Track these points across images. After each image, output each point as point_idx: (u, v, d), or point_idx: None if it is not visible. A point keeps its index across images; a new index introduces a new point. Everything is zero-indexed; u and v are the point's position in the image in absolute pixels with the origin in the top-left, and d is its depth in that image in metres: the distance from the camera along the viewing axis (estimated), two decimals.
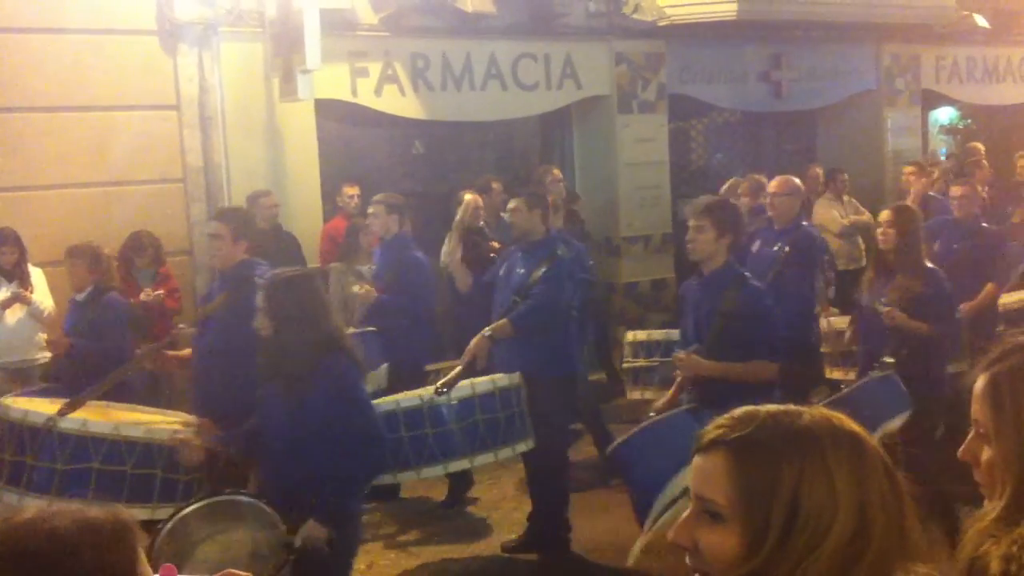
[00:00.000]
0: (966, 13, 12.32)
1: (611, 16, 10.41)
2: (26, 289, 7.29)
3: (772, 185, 7.23)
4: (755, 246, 7.08)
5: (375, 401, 5.73)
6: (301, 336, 4.12)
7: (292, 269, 4.53)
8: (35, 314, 7.33)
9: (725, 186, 9.35)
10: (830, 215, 10.40)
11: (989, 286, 7.34)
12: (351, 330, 7.10)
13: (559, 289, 6.01)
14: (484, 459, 5.57)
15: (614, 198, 10.61)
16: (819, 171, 10.99)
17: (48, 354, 7.49)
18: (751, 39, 11.18)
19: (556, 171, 9.29)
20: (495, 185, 9.02)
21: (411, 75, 9.44)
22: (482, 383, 5.56)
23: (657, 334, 7.27)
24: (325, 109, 9.06)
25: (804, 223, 7.17)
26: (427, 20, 9.44)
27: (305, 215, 8.86)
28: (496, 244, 8.37)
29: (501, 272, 6.32)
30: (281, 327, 4.16)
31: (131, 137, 8.19)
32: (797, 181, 7.30)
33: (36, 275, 7.44)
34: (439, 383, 5.44)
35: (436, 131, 10.33)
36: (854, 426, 1.58)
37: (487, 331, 5.91)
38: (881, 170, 12.02)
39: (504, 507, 7.09)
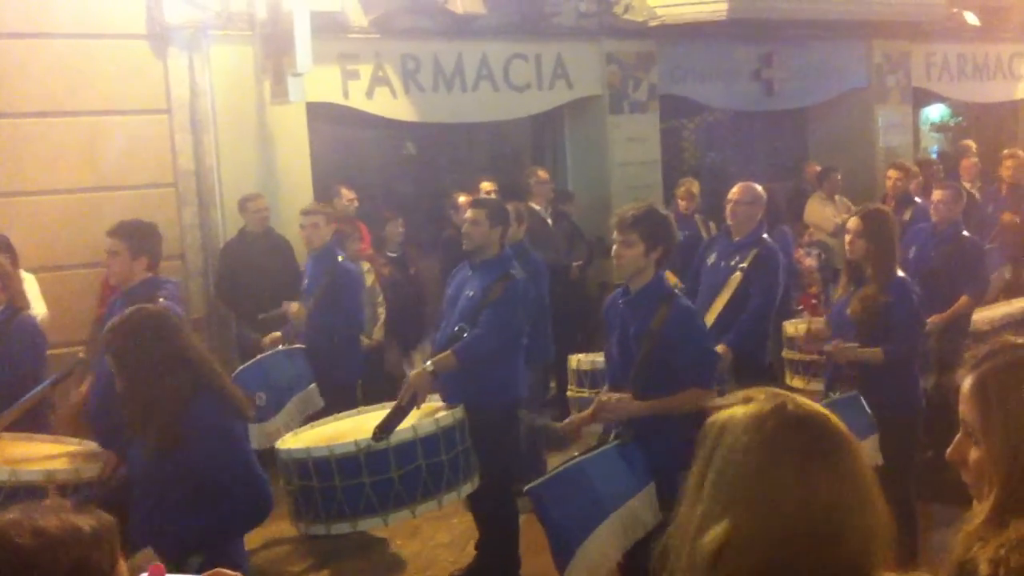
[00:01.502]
0: (956, 10, 12.36)
1: (602, 16, 10.42)
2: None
3: (732, 192, 6.58)
4: (711, 258, 6.58)
5: (309, 440, 5.14)
6: (158, 384, 3.59)
7: (136, 309, 3.84)
8: None
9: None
10: (823, 214, 10.42)
11: (963, 299, 6.95)
12: (280, 347, 6.80)
13: (510, 316, 5.47)
14: (427, 507, 5.04)
15: (606, 198, 10.61)
16: (817, 168, 11.01)
17: None
18: (742, 38, 11.20)
19: (542, 172, 9.31)
20: (485, 186, 9.03)
21: (402, 77, 9.43)
22: (425, 425, 5.02)
23: (603, 360, 6.61)
24: (316, 112, 9.05)
25: (765, 236, 6.54)
26: (417, 21, 9.43)
27: (297, 218, 8.81)
28: None
29: (449, 292, 5.84)
30: (131, 379, 3.64)
31: (122, 141, 8.18)
32: (759, 188, 6.61)
33: (28, 281, 7.39)
34: (376, 426, 4.92)
35: (428, 133, 10.33)
36: None
37: (429, 365, 5.33)
38: (873, 168, 12.03)
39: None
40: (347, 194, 8.98)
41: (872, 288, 5.24)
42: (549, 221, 8.83)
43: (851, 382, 5.25)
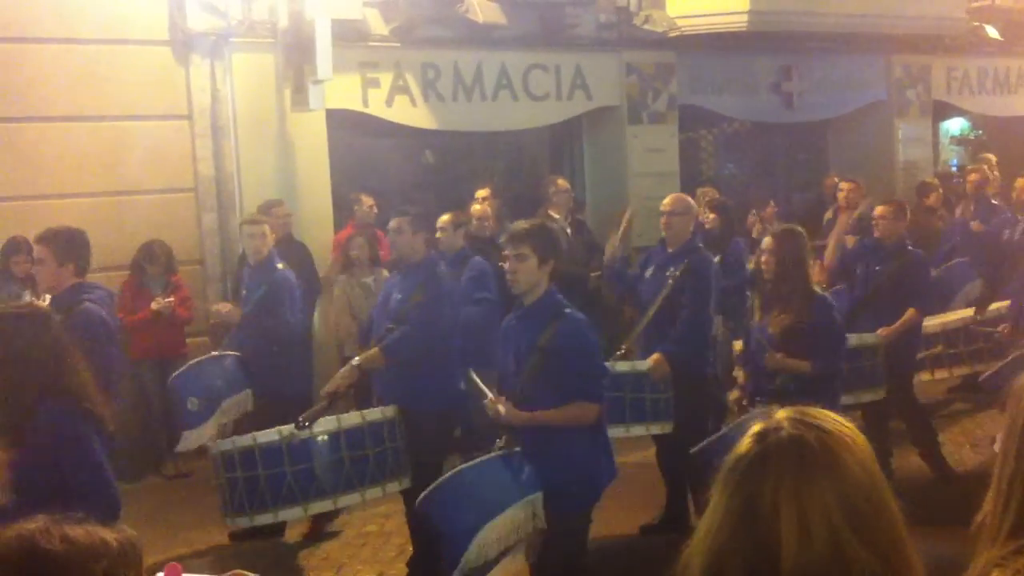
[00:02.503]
0: (977, 24, 12.31)
1: (621, 27, 10.43)
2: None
3: (664, 203, 6.64)
4: (648, 270, 6.61)
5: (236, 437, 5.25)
6: (11, 382, 3.60)
7: (6, 306, 3.95)
8: None
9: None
10: (843, 226, 10.36)
11: (910, 312, 6.93)
12: (214, 353, 6.72)
13: (435, 316, 5.58)
14: (349, 499, 5.15)
15: (624, 208, 10.59)
16: (836, 180, 10.95)
17: None
18: (762, 50, 11.19)
19: (561, 181, 9.32)
20: (480, 193, 9.05)
21: (422, 85, 9.47)
22: (349, 417, 5.12)
23: None
24: (336, 119, 9.10)
25: (700, 245, 6.64)
26: (438, 31, 9.47)
27: (316, 225, 8.89)
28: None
29: (380, 298, 5.97)
30: None
31: (143, 147, 8.24)
32: (690, 200, 6.78)
33: None
34: (301, 416, 5.00)
35: (446, 141, 10.36)
36: None
37: (356, 360, 5.52)
38: (892, 181, 11.99)
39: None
40: (367, 201, 9.02)
41: (791, 309, 5.31)
42: (568, 231, 8.81)
43: (771, 396, 5.23)
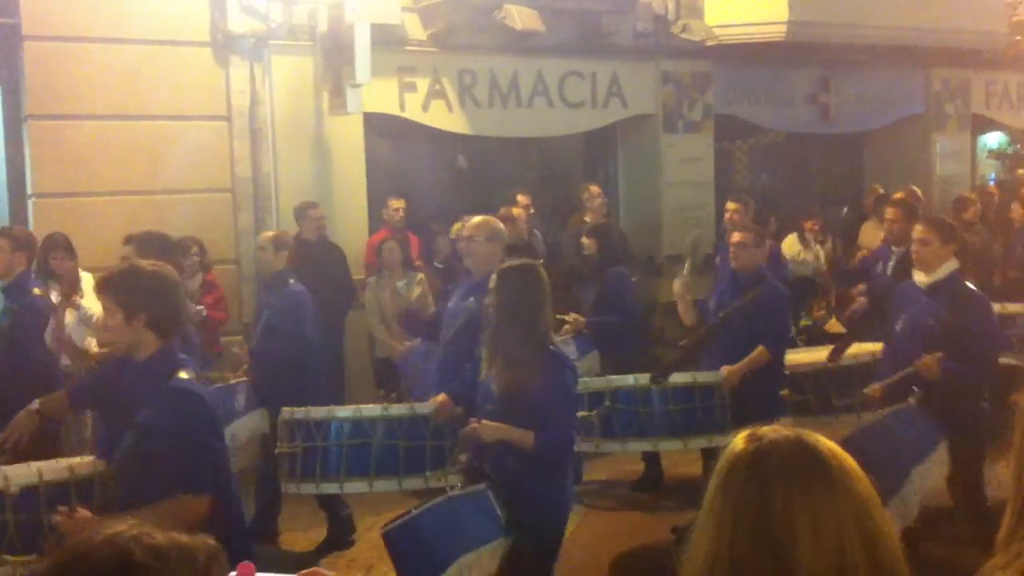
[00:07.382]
0: (1018, 38, 12.20)
1: (659, 35, 10.41)
2: (76, 294, 7.39)
3: (468, 228, 5.90)
4: (451, 301, 5.91)
5: None
6: None
7: None
8: (84, 319, 7.43)
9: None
10: (875, 238, 10.30)
11: (759, 349, 6.11)
12: None
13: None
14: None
15: (657, 217, 10.58)
16: (880, 191, 10.80)
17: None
18: (799, 61, 11.13)
19: (594, 188, 9.30)
20: (521, 199, 9.04)
21: (458, 91, 9.50)
22: (20, 475, 3.82)
23: (317, 412, 5.46)
24: (373, 123, 9.14)
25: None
26: (476, 37, 9.50)
27: (352, 227, 8.92)
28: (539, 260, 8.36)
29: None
30: None
31: (182, 147, 8.31)
32: (500, 225, 5.92)
33: (87, 280, 7.53)
34: None
35: (481, 147, 10.38)
36: None
37: (37, 403, 4.26)
38: (929, 195, 11.89)
39: None
40: (394, 204, 8.96)
41: (515, 363, 4.26)
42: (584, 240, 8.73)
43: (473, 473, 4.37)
